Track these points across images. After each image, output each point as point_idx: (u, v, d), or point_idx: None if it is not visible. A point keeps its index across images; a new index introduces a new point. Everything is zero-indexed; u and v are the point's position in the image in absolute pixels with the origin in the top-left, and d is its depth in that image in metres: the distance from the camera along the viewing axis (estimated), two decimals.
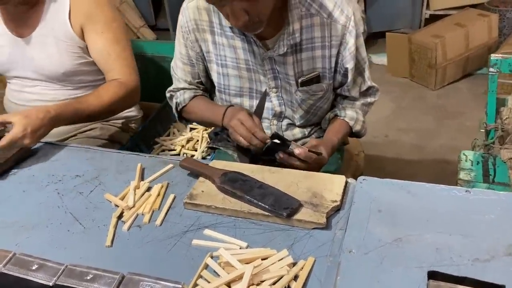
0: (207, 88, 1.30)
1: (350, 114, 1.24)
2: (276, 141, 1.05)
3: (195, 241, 0.86)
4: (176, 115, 1.32)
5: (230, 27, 1.12)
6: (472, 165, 1.45)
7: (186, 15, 1.16)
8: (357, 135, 1.29)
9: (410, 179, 0.98)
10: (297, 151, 1.02)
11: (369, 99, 1.30)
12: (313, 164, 1.06)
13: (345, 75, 1.19)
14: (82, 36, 1.32)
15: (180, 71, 1.27)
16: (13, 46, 1.35)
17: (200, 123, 1.51)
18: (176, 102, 1.29)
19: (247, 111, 1.11)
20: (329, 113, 1.27)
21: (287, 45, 1.10)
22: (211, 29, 1.16)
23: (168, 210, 0.95)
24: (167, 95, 1.33)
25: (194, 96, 1.27)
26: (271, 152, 1.06)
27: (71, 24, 1.30)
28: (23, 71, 1.37)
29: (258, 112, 1.14)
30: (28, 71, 1.37)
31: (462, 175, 1.42)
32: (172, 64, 1.29)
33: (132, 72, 1.37)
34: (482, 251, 0.77)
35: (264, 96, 1.15)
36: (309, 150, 1.04)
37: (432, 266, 0.75)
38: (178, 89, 1.29)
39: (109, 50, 1.33)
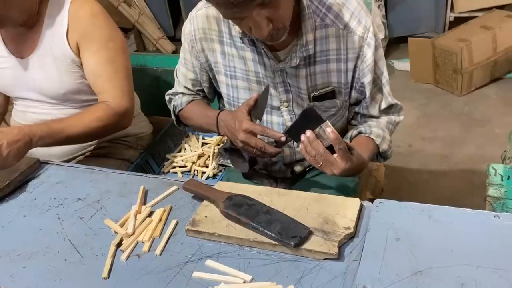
0: (207, 96, 1.28)
1: (376, 131, 1.11)
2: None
3: (196, 274, 0.80)
4: (174, 118, 1.30)
5: (240, 38, 1.06)
6: (502, 180, 1.34)
7: (195, 24, 1.12)
8: (384, 156, 1.16)
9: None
10: (329, 129, 0.88)
11: (393, 118, 1.18)
12: (340, 158, 0.91)
13: (361, 91, 1.11)
14: (79, 54, 1.28)
15: (181, 76, 1.24)
16: (15, 68, 1.32)
17: (198, 128, 1.52)
18: (174, 105, 1.27)
19: (243, 113, 1.01)
20: (352, 130, 1.15)
21: (300, 57, 1.04)
22: (220, 39, 1.10)
23: (169, 238, 0.89)
24: (166, 98, 1.31)
25: (192, 100, 1.25)
26: (298, 130, 0.91)
27: (68, 43, 1.26)
28: (26, 92, 1.35)
29: (259, 112, 1.04)
30: (30, 92, 1.34)
31: (491, 191, 1.31)
32: (176, 67, 1.26)
33: (124, 96, 1.29)
34: None
35: (266, 93, 1.04)
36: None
37: None
38: (177, 93, 1.27)
39: (101, 70, 1.27)
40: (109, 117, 1.26)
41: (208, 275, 0.79)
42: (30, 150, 1.14)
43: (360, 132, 1.13)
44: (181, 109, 1.25)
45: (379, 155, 1.15)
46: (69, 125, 1.22)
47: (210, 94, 1.27)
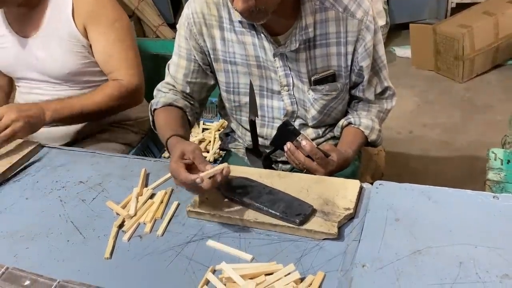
0: (192, 101, 1.17)
1: (365, 122, 1.14)
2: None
3: (197, 254, 0.80)
4: (150, 118, 1.16)
5: (240, 21, 1.06)
6: (502, 164, 1.35)
7: (192, 7, 1.10)
8: (372, 144, 1.19)
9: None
10: (303, 142, 0.95)
11: (385, 105, 1.20)
12: (319, 166, 0.97)
13: (359, 74, 1.11)
14: (86, 35, 1.30)
15: (173, 67, 1.15)
16: (18, 47, 1.33)
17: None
18: (151, 103, 1.14)
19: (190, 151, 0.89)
20: (343, 120, 1.17)
21: (300, 41, 1.04)
22: (220, 24, 1.10)
23: (170, 219, 0.90)
24: (156, 90, 1.18)
25: (170, 104, 1.11)
26: (281, 142, 0.99)
27: (75, 23, 1.27)
28: (30, 72, 1.36)
29: (254, 110, 1.05)
30: (34, 72, 1.35)
31: (491, 175, 1.31)
32: (169, 62, 1.19)
33: (135, 73, 1.33)
34: None
35: (251, 90, 1.06)
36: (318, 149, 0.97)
37: (455, 283, 0.68)
38: (162, 90, 1.15)
39: (111, 51, 1.30)
40: (121, 94, 1.30)
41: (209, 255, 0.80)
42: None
43: (350, 123, 1.15)
44: (155, 109, 1.13)
45: (368, 144, 1.18)
46: (81, 101, 1.26)
47: (195, 93, 1.17)
